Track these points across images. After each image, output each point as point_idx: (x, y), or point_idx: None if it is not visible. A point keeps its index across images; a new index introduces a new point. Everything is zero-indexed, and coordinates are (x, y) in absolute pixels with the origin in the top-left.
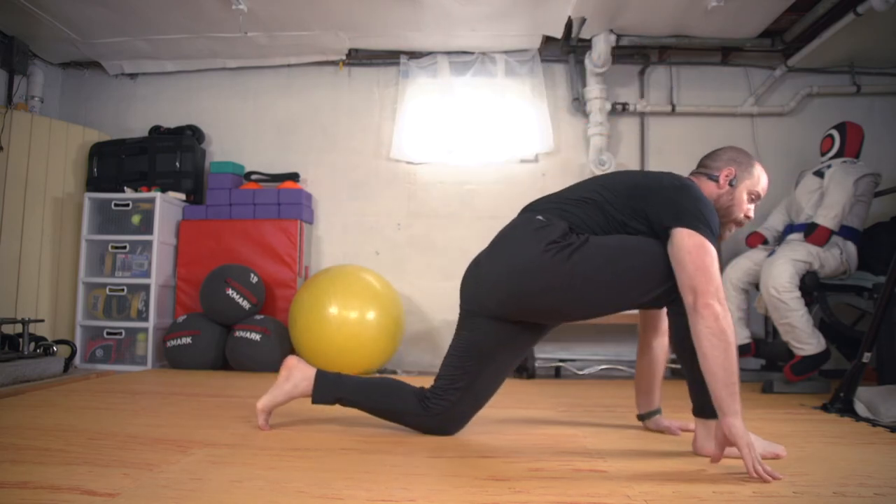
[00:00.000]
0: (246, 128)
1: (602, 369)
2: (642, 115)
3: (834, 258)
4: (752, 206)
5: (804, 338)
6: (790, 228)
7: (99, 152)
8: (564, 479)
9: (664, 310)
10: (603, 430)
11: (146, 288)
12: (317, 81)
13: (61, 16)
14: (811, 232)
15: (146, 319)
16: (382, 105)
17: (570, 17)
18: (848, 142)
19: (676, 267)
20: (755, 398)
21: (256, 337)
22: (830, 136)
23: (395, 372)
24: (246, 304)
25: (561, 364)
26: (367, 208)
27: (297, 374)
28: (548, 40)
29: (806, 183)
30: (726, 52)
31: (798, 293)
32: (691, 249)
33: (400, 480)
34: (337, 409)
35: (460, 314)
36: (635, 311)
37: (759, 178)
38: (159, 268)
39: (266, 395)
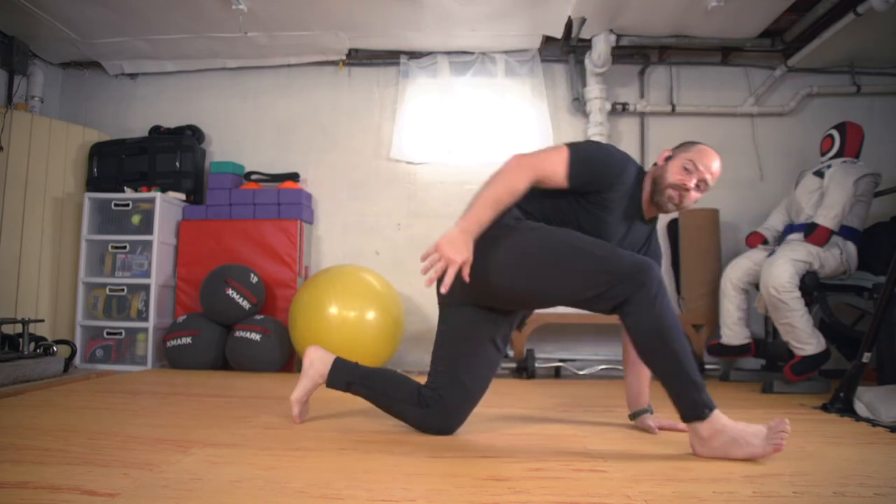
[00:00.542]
0: (246, 128)
1: (602, 369)
2: (642, 115)
3: (834, 258)
4: (690, 177)
5: (804, 338)
6: (790, 228)
7: (99, 152)
8: (564, 479)
9: None
10: (603, 430)
11: (146, 288)
12: (317, 81)
13: (61, 16)
14: (811, 232)
15: (146, 319)
16: (382, 105)
17: (570, 17)
18: (848, 142)
19: None
20: (755, 398)
21: (256, 337)
22: (830, 136)
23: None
24: (246, 304)
25: (561, 364)
26: (367, 208)
27: (317, 362)
28: (548, 40)
29: (806, 183)
30: (726, 52)
31: (798, 293)
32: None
33: (400, 480)
34: (337, 409)
35: (438, 310)
36: None
37: (700, 153)
38: (159, 268)
39: (297, 387)
